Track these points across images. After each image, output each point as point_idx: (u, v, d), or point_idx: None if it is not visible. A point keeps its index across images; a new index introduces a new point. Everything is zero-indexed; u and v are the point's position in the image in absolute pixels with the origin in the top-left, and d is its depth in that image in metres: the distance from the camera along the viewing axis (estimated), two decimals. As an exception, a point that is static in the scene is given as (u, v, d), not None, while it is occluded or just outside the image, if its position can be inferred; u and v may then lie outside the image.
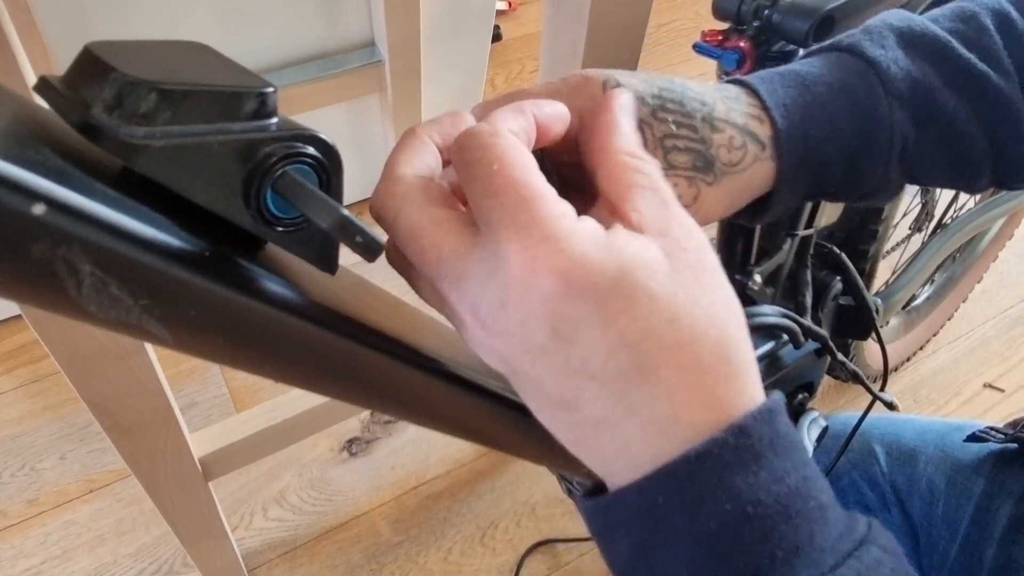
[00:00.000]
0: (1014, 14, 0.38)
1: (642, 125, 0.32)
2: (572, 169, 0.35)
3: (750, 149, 0.34)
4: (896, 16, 0.38)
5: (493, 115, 0.27)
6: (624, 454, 0.25)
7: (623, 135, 0.28)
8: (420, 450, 1.18)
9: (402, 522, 1.11)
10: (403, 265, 0.28)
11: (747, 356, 0.25)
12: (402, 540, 1.09)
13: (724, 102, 0.34)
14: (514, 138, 0.25)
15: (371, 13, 1.11)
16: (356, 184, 1.44)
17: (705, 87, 0.35)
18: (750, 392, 0.25)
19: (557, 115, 0.29)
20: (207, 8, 1.01)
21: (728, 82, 0.37)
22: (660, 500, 0.24)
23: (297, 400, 0.85)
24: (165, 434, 0.68)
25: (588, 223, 0.24)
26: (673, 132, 0.33)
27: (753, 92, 0.35)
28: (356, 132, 1.32)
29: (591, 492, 0.27)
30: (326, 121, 1.27)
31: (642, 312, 0.23)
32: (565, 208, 0.24)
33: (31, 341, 1.25)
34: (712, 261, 0.26)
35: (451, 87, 1.27)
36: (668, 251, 0.25)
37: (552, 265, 0.23)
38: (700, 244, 0.26)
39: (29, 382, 1.21)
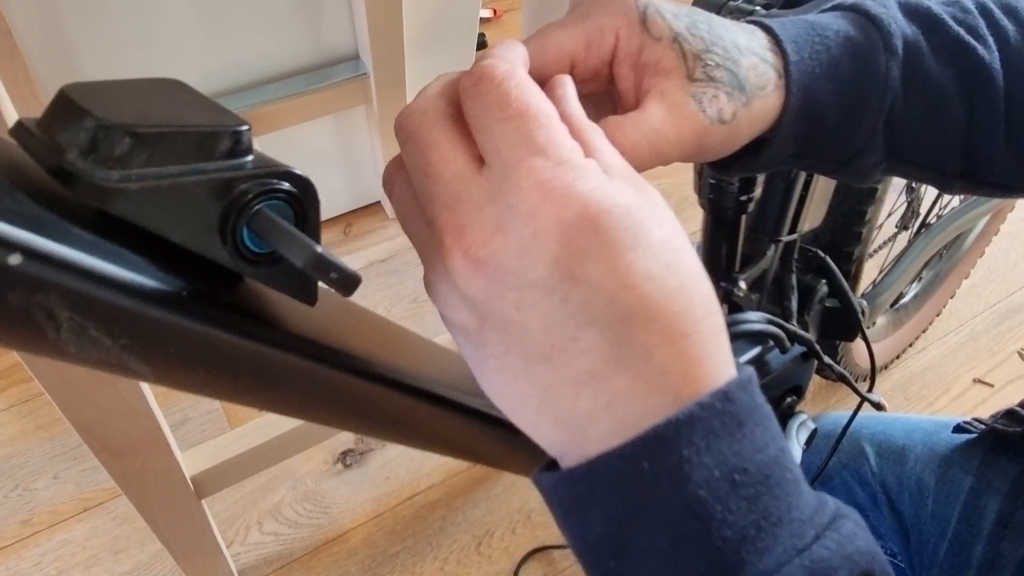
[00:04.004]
0: (991, 4, 0.39)
1: (679, 39, 0.32)
2: (592, 100, 0.34)
3: (771, 76, 0.34)
4: None
5: (502, 53, 0.27)
6: (607, 414, 0.23)
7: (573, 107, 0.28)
8: (414, 460, 1.18)
9: (398, 533, 1.11)
10: (391, 183, 0.27)
11: (723, 322, 0.25)
12: (398, 551, 1.09)
13: (744, 33, 0.35)
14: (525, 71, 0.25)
15: (354, 26, 1.11)
16: (344, 196, 1.44)
17: (724, 19, 0.35)
18: (728, 358, 0.25)
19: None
20: (193, 26, 1.01)
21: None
22: (646, 466, 0.22)
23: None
24: (156, 455, 0.68)
25: (593, 161, 0.24)
26: (709, 48, 0.32)
27: (766, 29, 0.36)
28: (343, 145, 1.33)
29: (552, 466, 0.26)
30: (313, 134, 1.27)
31: (646, 251, 0.23)
32: (576, 144, 0.24)
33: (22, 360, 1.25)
34: (681, 228, 0.26)
35: (437, 97, 1.27)
36: (653, 205, 0.24)
37: (570, 189, 0.22)
38: (669, 209, 0.26)
39: (20, 402, 1.21)
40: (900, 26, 0.37)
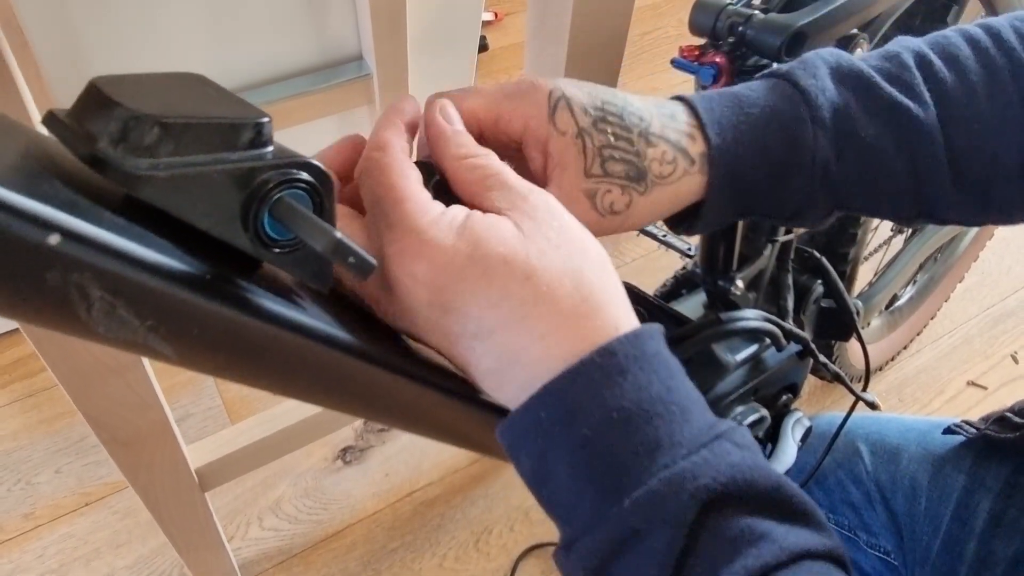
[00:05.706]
0: (932, 55, 0.41)
1: (582, 134, 0.35)
2: (518, 167, 0.38)
3: (680, 164, 0.37)
4: (828, 52, 0.41)
5: (381, 131, 0.32)
6: (522, 393, 0.29)
7: (454, 141, 0.32)
8: (414, 457, 1.19)
9: (397, 529, 1.12)
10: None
11: (608, 293, 0.30)
12: (397, 547, 1.10)
13: (660, 119, 0.37)
14: (398, 151, 0.31)
15: (358, 27, 1.13)
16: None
17: (645, 103, 0.38)
18: (614, 322, 0.29)
19: (418, 113, 0.34)
20: (198, 27, 1.02)
21: (672, 98, 0.39)
22: (543, 415, 0.28)
23: (291, 411, 0.86)
24: (162, 446, 0.69)
25: (451, 213, 0.29)
26: (611, 143, 0.36)
27: (692, 110, 0.38)
28: (346, 144, 1.33)
29: None
30: (317, 134, 1.28)
31: (498, 275, 0.28)
32: (433, 206, 0.29)
33: (26, 355, 1.26)
34: (564, 219, 0.30)
35: (439, 98, 1.28)
36: (518, 220, 0.29)
37: (416, 252, 0.28)
38: (549, 206, 0.30)
39: (24, 396, 1.22)
40: (829, 96, 0.39)
